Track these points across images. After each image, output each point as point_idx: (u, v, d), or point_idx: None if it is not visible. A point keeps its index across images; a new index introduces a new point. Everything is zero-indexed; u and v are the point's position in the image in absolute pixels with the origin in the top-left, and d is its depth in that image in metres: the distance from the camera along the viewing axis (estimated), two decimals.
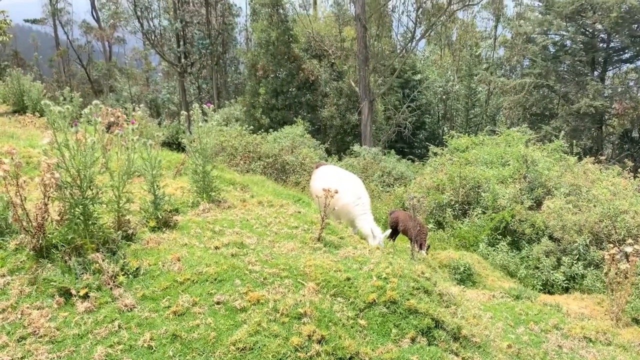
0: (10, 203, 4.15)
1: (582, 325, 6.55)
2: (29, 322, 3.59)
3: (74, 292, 3.85)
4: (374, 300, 4.23)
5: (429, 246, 10.08)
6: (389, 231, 9.51)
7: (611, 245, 8.11)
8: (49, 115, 4.14)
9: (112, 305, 3.81)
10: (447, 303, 4.86)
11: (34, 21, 52.55)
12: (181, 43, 36.53)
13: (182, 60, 36.63)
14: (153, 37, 36.31)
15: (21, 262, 4.15)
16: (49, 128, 4.27)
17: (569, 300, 8.54)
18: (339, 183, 8.53)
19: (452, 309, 4.86)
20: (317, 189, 7.90)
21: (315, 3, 44.99)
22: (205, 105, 6.44)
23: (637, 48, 32.06)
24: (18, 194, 4.08)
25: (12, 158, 4.05)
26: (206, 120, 6.36)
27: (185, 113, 7.16)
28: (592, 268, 10.69)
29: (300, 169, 18.29)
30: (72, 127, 4.18)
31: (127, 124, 5.02)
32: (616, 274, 7.23)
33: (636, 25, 31.46)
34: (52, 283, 3.90)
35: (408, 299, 4.30)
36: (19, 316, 3.64)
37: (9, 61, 44.68)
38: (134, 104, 14.46)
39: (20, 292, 3.85)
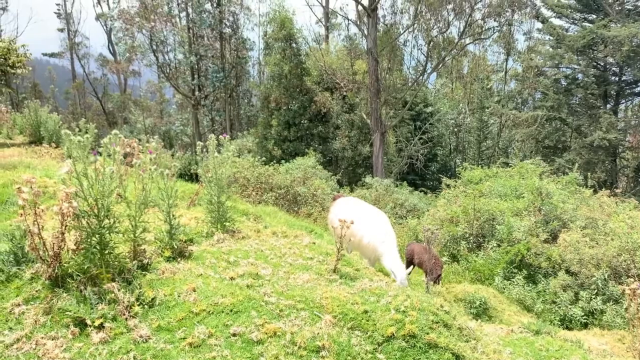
0: (27, 232, 4.14)
1: None
2: (43, 353, 3.53)
3: (89, 322, 3.80)
4: (393, 334, 4.14)
5: (438, 275, 9.93)
6: (411, 268, 9.33)
7: (631, 279, 7.92)
8: (68, 145, 4.16)
9: (127, 336, 3.76)
10: (467, 337, 4.74)
11: (52, 55, 53.90)
12: (195, 76, 37.08)
13: (196, 92, 37.12)
14: (168, 70, 36.89)
15: (36, 291, 4.11)
16: (65, 158, 4.28)
17: (589, 337, 8.31)
18: (365, 218, 8.35)
19: (472, 344, 4.74)
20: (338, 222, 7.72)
21: (327, 37, 45.66)
22: (221, 136, 6.46)
23: None
24: (36, 222, 4.07)
25: (31, 187, 4.06)
26: (219, 151, 6.37)
27: (201, 143, 7.19)
28: (611, 303, 10.44)
29: (312, 201, 18.22)
30: (90, 157, 4.19)
31: (144, 154, 5.04)
32: (637, 309, 7.04)
33: None
34: (67, 313, 3.86)
35: (427, 333, 4.20)
36: (34, 346, 3.59)
37: (27, 93, 45.68)
38: (147, 135, 14.60)
39: (35, 321, 3.81)
